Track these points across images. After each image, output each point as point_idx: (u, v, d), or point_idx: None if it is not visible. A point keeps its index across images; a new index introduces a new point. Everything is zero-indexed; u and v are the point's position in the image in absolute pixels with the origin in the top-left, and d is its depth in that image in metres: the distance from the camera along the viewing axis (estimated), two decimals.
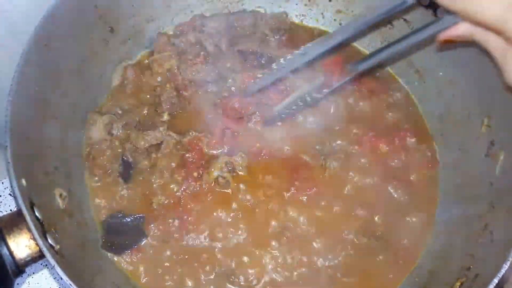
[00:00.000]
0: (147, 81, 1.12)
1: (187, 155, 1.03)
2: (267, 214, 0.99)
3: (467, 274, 0.84)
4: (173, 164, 1.02)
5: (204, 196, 1.00)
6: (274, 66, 0.95)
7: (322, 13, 1.26)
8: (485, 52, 0.73)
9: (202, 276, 0.95)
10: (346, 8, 1.23)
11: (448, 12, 0.71)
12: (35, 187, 0.81)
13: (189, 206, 0.99)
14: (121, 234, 0.97)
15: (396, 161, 1.06)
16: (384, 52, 0.86)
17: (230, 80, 1.10)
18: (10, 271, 0.76)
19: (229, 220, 0.99)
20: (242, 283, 0.95)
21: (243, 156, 1.02)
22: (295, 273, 0.96)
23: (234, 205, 1.00)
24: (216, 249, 0.97)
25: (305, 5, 1.26)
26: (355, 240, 0.98)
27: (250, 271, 0.96)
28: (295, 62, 0.92)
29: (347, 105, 1.10)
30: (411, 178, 1.05)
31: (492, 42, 0.70)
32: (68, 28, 0.96)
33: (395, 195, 1.03)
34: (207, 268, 0.96)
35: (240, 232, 0.98)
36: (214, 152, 1.03)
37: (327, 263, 0.96)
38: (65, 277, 0.73)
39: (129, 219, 0.99)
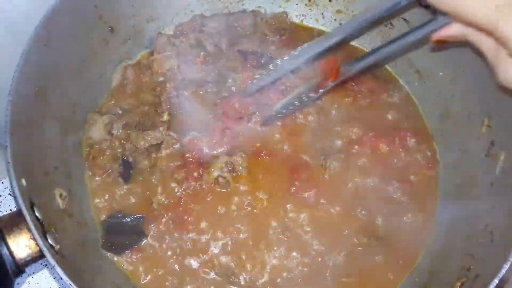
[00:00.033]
0: (147, 81, 1.12)
1: (187, 155, 1.03)
2: (267, 214, 0.99)
3: (467, 275, 0.84)
4: (173, 164, 1.02)
5: (204, 196, 1.00)
6: (271, 67, 0.96)
7: (322, 13, 1.26)
8: (478, 52, 0.73)
9: (202, 276, 0.95)
10: (346, 8, 1.23)
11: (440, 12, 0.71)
12: (35, 187, 0.81)
13: (189, 206, 0.99)
14: (121, 234, 0.97)
15: (396, 161, 1.06)
16: (378, 52, 0.88)
17: (230, 80, 1.10)
18: (10, 271, 0.76)
19: (229, 220, 0.99)
20: (242, 283, 0.95)
21: (243, 156, 1.02)
22: (295, 273, 0.96)
23: (234, 205, 1.00)
24: (216, 249, 0.97)
25: (305, 5, 1.26)
26: (355, 240, 0.98)
27: (250, 271, 0.96)
28: (291, 63, 0.94)
29: (347, 105, 1.10)
30: (411, 178, 1.05)
31: (485, 42, 0.70)
32: (68, 28, 0.96)
33: (395, 195, 1.03)
34: (207, 268, 0.96)
35: (240, 232, 0.98)
36: (214, 152, 1.03)
37: (327, 263, 0.96)
38: (65, 277, 0.73)
39: (129, 219, 0.99)
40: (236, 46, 1.16)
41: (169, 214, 0.98)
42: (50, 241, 0.77)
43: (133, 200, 1.01)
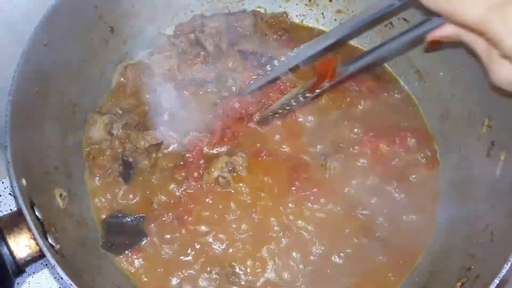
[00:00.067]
0: (147, 81, 1.12)
1: (187, 155, 1.03)
2: (267, 214, 0.99)
3: (467, 275, 0.84)
4: (173, 164, 1.02)
5: (204, 196, 1.00)
6: (268, 68, 0.99)
7: (322, 13, 1.26)
8: (472, 53, 0.74)
9: (203, 276, 0.95)
10: (346, 8, 1.23)
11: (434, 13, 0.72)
12: (35, 187, 0.81)
13: (189, 206, 0.99)
14: (121, 234, 0.97)
15: (396, 161, 1.06)
16: (373, 53, 0.89)
17: (230, 80, 1.10)
18: (10, 271, 0.76)
19: (229, 220, 0.99)
20: (242, 283, 0.95)
21: (243, 156, 1.02)
22: (296, 273, 0.96)
23: (234, 205, 1.00)
24: (217, 249, 0.97)
25: (305, 5, 1.26)
26: (355, 240, 0.98)
27: (250, 271, 0.96)
28: (288, 64, 0.96)
29: (347, 105, 1.10)
30: (412, 178, 1.05)
31: (478, 43, 0.71)
32: (68, 28, 0.96)
33: (396, 195, 1.03)
34: (208, 268, 0.96)
35: (240, 232, 0.98)
36: (214, 152, 1.03)
37: (327, 263, 0.97)
38: (65, 277, 0.73)
39: (129, 219, 0.99)
40: (236, 46, 1.16)
41: (169, 214, 0.98)
42: (50, 241, 0.77)
43: (133, 200, 1.01)
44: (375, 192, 1.03)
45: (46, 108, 0.93)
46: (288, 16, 1.23)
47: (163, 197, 1.00)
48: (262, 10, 1.26)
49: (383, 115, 1.11)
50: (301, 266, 0.96)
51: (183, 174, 1.01)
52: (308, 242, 0.98)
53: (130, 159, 1.03)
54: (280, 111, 1.02)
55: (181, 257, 0.96)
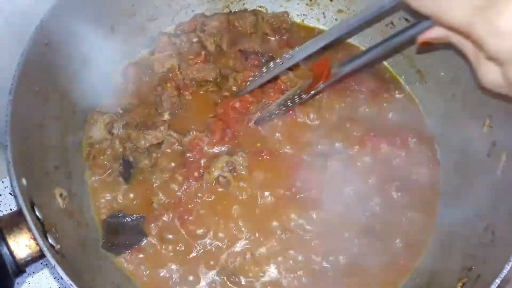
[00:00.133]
0: (148, 80, 1.12)
1: (187, 154, 1.03)
2: (268, 214, 0.99)
3: (468, 275, 0.84)
4: (174, 164, 1.02)
5: (204, 196, 1.00)
6: (264, 69, 1.01)
7: (323, 13, 1.26)
8: (462, 54, 0.74)
9: (203, 276, 0.95)
10: (347, 7, 1.23)
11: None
12: (35, 186, 0.81)
13: (189, 206, 0.99)
14: (121, 234, 0.97)
15: (397, 161, 1.05)
16: (367, 54, 0.91)
17: (231, 80, 1.10)
18: (11, 271, 0.76)
19: (230, 220, 0.99)
20: (243, 283, 0.95)
21: (243, 156, 1.02)
22: (296, 273, 0.96)
23: (234, 205, 1.00)
24: (217, 249, 0.97)
25: (306, 4, 1.26)
26: (356, 240, 0.98)
27: (251, 271, 0.96)
28: (287, 63, 0.98)
29: (348, 105, 1.10)
30: (412, 178, 1.05)
31: (466, 44, 0.71)
32: (68, 28, 0.95)
33: (396, 195, 1.03)
34: (208, 268, 0.95)
35: (240, 232, 0.98)
36: (215, 151, 1.03)
37: (327, 263, 0.96)
38: (65, 277, 0.73)
39: (129, 219, 0.98)
40: (237, 45, 1.16)
41: (170, 214, 0.98)
42: (50, 241, 0.77)
43: (133, 200, 1.01)
44: (376, 192, 1.02)
45: (46, 108, 0.93)
46: (289, 16, 1.23)
47: (163, 197, 1.00)
48: (263, 10, 1.26)
49: (384, 115, 1.11)
50: (301, 266, 0.96)
51: (183, 173, 1.01)
52: (308, 242, 0.97)
53: (131, 159, 1.03)
54: (277, 111, 1.02)
55: (181, 257, 0.96)
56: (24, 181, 0.77)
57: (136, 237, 0.97)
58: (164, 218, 0.98)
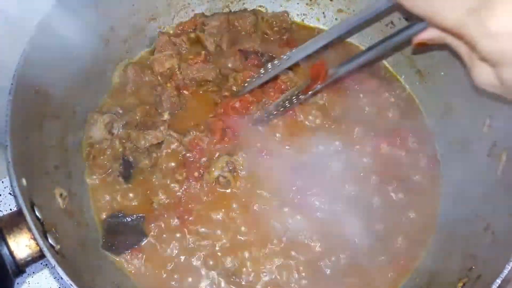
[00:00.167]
0: (148, 80, 1.12)
1: (187, 154, 1.02)
2: (268, 214, 0.99)
3: (469, 275, 0.84)
4: (174, 164, 1.02)
5: (204, 196, 1.00)
6: (262, 70, 1.02)
7: (323, 12, 1.26)
8: (456, 55, 0.75)
9: (203, 276, 0.95)
10: (347, 7, 1.23)
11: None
12: (35, 186, 0.81)
13: (189, 206, 0.99)
14: (121, 234, 0.97)
15: (397, 161, 1.05)
16: (364, 56, 0.92)
17: (231, 80, 1.10)
18: (10, 271, 0.75)
19: (230, 220, 0.99)
20: (243, 283, 0.95)
21: (243, 156, 1.02)
22: (296, 273, 0.96)
23: (234, 205, 1.00)
24: (217, 249, 0.97)
25: (306, 4, 1.26)
26: (356, 240, 0.98)
27: (251, 271, 0.95)
28: (287, 63, 0.99)
29: (348, 104, 1.10)
30: (412, 178, 1.05)
31: (461, 45, 0.72)
32: (68, 27, 0.95)
33: (396, 195, 1.03)
34: (208, 268, 0.95)
35: (241, 232, 0.98)
36: (215, 151, 1.03)
37: (328, 263, 0.96)
38: (65, 277, 0.73)
39: (129, 219, 0.98)
40: (237, 45, 1.16)
41: (170, 214, 0.98)
42: (50, 241, 0.77)
43: (133, 200, 1.01)
44: (376, 192, 1.02)
45: (46, 108, 0.92)
46: (289, 16, 1.23)
47: (163, 197, 1.00)
48: (263, 9, 1.26)
49: (384, 115, 1.11)
50: (301, 266, 0.96)
51: (183, 173, 1.01)
52: (308, 242, 0.97)
53: (131, 159, 1.03)
54: (275, 112, 1.03)
55: (181, 257, 0.96)
56: (24, 181, 0.77)
57: (136, 237, 0.97)
58: (164, 218, 0.98)
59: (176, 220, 0.98)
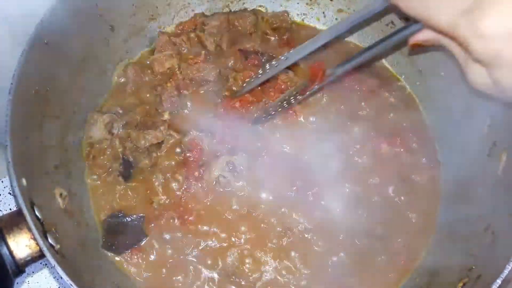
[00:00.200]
0: (147, 80, 1.12)
1: (188, 154, 1.02)
2: (268, 214, 0.99)
3: (469, 275, 0.84)
4: (174, 164, 1.02)
5: (205, 196, 1.00)
6: (260, 71, 1.02)
7: (323, 12, 1.26)
8: (452, 56, 0.75)
9: (203, 276, 0.95)
10: (347, 7, 1.23)
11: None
12: (35, 186, 0.81)
13: (190, 206, 0.99)
14: (121, 234, 0.97)
15: (397, 161, 1.05)
16: (360, 57, 0.92)
17: (231, 80, 1.10)
18: (10, 271, 0.75)
19: (230, 219, 0.99)
20: (243, 283, 0.95)
21: (244, 156, 1.01)
22: (296, 273, 0.96)
23: (235, 205, 1.00)
24: (217, 249, 0.97)
25: (306, 4, 1.26)
26: (356, 240, 0.98)
27: (250, 271, 0.95)
28: (280, 66, 0.99)
29: (348, 105, 1.10)
30: (413, 178, 1.05)
31: (455, 46, 0.72)
32: (68, 27, 0.95)
33: (397, 195, 1.03)
34: (208, 268, 0.95)
35: (241, 231, 0.98)
36: (215, 151, 1.03)
37: (328, 263, 0.96)
38: (65, 277, 0.73)
39: (129, 219, 0.98)
40: (237, 45, 1.16)
41: (170, 213, 0.98)
42: (50, 240, 0.77)
43: (133, 200, 1.01)
44: (376, 192, 1.02)
45: (46, 108, 0.92)
46: (289, 15, 1.23)
47: (163, 196, 1.00)
48: (263, 9, 1.26)
49: (384, 115, 1.11)
50: (301, 266, 0.96)
51: (183, 173, 1.01)
52: (308, 242, 0.97)
53: (131, 159, 1.03)
54: (273, 112, 1.03)
55: (182, 257, 0.96)
56: (24, 181, 0.77)
57: (136, 237, 0.97)
58: (164, 218, 0.98)
59: (176, 220, 0.98)
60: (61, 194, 0.91)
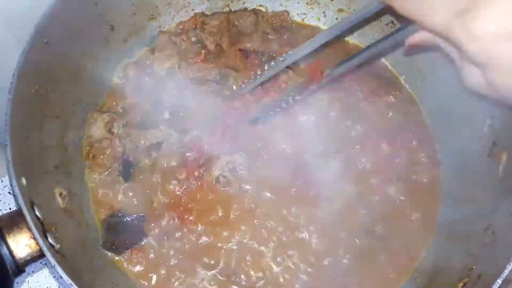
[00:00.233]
0: (148, 80, 1.11)
1: (188, 154, 1.02)
2: (268, 214, 0.99)
3: (469, 275, 0.84)
4: (174, 163, 1.02)
5: (205, 196, 1.00)
6: (260, 71, 1.02)
7: (323, 12, 1.26)
8: (448, 57, 0.75)
9: (203, 275, 0.95)
10: (347, 6, 1.23)
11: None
12: (35, 186, 0.80)
13: (189, 206, 0.99)
14: (121, 234, 0.97)
15: (397, 161, 1.05)
16: (358, 57, 0.92)
17: (231, 79, 1.10)
18: (10, 271, 0.75)
19: (230, 219, 0.99)
20: (243, 283, 0.94)
21: (244, 156, 1.01)
22: (296, 273, 0.96)
23: (235, 205, 0.99)
24: (217, 249, 0.97)
25: (307, 3, 1.26)
26: (356, 240, 0.98)
27: (251, 270, 0.95)
28: (280, 66, 1.00)
29: (349, 104, 1.10)
30: (413, 178, 1.05)
31: (451, 47, 0.72)
32: (68, 26, 0.95)
33: (397, 195, 1.03)
34: (208, 267, 0.95)
35: (241, 231, 0.98)
36: (215, 151, 1.03)
37: (328, 263, 0.96)
38: (65, 277, 0.73)
39: (129, 219, 0.98)
40: (237, 44, 1.16)
41: (170, 213, 0.98)
42: (50, 240, 0.77)
43: (133, 199, 1.01)
44: (376, 192, 1.02)
45: (46, 107, 0.92)
46: (289, 15, 1.23)
47: (163, 196, 1.00)
48: (263, 9, 1.26)
49: (385, 114, 1.11)
50: (302, 266, 0.96)
51: (183, 173, 1.01)
52: (309, 242, 0.97)
53: (131, 158, 1.03)
54: (271, 112, 1.03)
55: (181, 257, 0.96)
56: (24, 180, 0.77)
57: (136, 236, 0.97)
58: (164, 218, 0.98)
59: (176, 219, 0.98)
60: (61, 194, 0.91)
